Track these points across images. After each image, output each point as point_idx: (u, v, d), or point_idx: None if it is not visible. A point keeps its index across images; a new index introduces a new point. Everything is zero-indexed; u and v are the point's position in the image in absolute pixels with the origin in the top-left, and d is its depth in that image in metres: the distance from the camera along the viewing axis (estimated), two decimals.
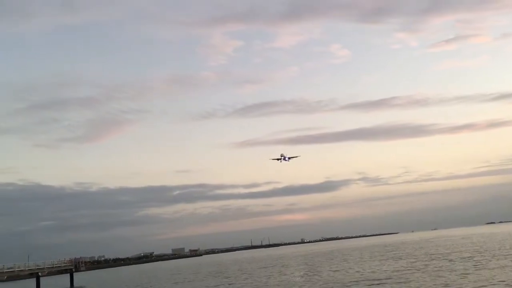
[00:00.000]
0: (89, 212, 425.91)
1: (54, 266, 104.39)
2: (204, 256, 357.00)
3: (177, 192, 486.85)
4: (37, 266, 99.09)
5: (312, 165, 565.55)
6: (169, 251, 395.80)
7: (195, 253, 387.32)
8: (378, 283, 47.61)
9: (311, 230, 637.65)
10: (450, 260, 66.93)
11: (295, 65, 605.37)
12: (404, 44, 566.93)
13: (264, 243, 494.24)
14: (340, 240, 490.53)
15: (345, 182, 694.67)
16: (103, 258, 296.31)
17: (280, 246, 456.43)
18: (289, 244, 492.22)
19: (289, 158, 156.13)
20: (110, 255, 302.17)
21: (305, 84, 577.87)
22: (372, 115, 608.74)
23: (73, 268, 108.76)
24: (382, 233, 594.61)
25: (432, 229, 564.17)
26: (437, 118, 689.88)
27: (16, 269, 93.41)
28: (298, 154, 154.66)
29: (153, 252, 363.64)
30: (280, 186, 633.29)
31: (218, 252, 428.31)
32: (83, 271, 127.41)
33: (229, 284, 65.07)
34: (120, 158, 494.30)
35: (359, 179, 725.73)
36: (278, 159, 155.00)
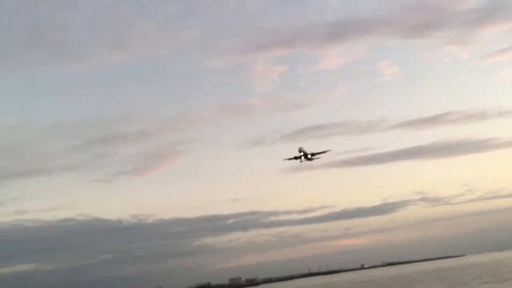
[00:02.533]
0: (146, 244, 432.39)
1: None
2: (262, 285, 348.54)
3: (231, 220, 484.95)
4: None
5: (368, 187, 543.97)
6: (226, 281, 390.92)
7: (252, 282, 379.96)
8: None
9: (370, 255, 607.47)
10: None
11: (343, 86, 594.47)
12: (455, 57, 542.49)
13: (322, 270, 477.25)
14: (404, 265, 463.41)
15: (403, 204, 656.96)
16: None
17: (340, 273, 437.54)
18: (349, 270, 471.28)
19: (312, 155, 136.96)
20: (168, 286, 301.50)
21: (354, 104, 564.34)
22: (427, 132, 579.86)
23: None
24: (447, 255, 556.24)
25: (498, 250, 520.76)
26: (496, 132, 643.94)
27: None
28: (326, 148, 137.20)
29: (210, 283, 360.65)
30: (335, 210, 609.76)
31: (276, 281, 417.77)
32: None
33: None
34: (174, 188, 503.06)
35: (418, 200, 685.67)
36: (296, 158, 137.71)
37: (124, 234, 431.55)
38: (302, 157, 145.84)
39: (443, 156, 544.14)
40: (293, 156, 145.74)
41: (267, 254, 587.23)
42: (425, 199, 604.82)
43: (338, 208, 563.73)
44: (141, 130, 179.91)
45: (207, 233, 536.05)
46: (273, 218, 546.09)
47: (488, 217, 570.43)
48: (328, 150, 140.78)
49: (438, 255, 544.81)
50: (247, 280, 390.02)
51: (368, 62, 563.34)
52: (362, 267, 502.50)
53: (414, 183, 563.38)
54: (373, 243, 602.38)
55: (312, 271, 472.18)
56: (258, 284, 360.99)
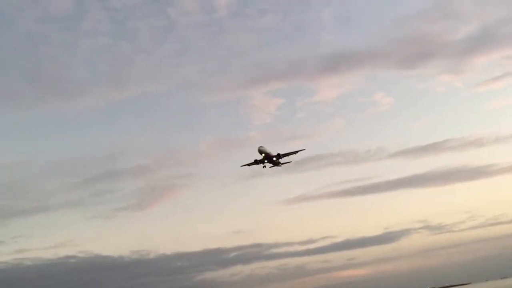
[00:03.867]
0: (148, 279, 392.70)
1: None
2: None
3: (233, 253, 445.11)
4: None
5: (369, 216, 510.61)
6: None
7: None
8: None
9: (374, 285, 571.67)
10: None
11: (340, 117, 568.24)
12: (450, 86, 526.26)
13: None
14: None
15: (405, 232, 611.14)
16: None
17: None
18: None
19: (278, 156, 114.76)
20: None
21: (352, 134, 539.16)
22: (425, 160, 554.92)
23: None
24: (452, 284, 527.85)
25: (502, 278, 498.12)
26: (495, 158, 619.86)
27: None
28: (298, 148, 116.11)
29: None
30: (337, 240, 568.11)
31: None
32: None
33: None
34: (174, 222, 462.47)
35: (420, 228, 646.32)
36: (258, 163, 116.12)
37: (126, 270, 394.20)
38: (265, 161, 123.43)
39: (443, 184, 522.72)
40: (252, 161, 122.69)
41: (270, 287, 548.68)
42: (427, 227, 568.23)
43: (340, 239, 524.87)
44: (140, 165, 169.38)
45: (210, 267, 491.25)
46: (274, 250, 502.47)
47: (491, 243, 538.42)
48: (301, 150, 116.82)
49: (443, 283, 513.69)
50: None
51: (364, 93, 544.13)
52: None
53: (415, 211, 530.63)
54: (377, 273, 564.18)
55: None
56: None
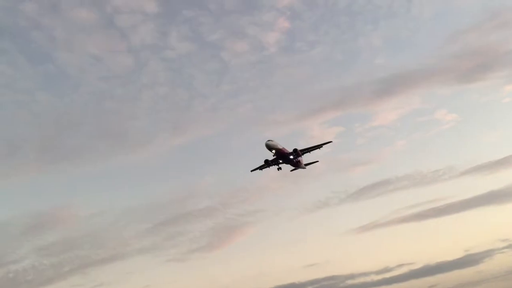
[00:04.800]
0: None
1: None
2: None
3: None
4: None
5: (446, 239, 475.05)
6: None
7: None
8: None
9: None
10: None
11: (401, 139, 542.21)
12: None
13: None
14: None
15: (488, 253, 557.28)
16: None
17: None
18: None
19: (295, 154, 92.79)
20: None
21: (416, 156, 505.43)
22: (500, 175, 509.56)
23: None
24: None
25: None
26: None
27: None
28: (327, 140, 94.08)
29: None
30: (415, 267, 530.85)
31: None
32: None
33: None
34: (246, 260, 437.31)
35: (504, 248, 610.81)
36: (269, 164, 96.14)
37: None
38: (279, 161, 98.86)
39: None
40: (262, 164, 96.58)
41: None
42: (511, 246, 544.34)
43: (418, 265, 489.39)
44: (208, 206, 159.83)
45: None
46: (350, 281, 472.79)
47: None
48: (327, 142, 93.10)
49: None
50: None
51: (424, 113, 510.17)
52: None
53: (495, 230, 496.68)
54: None
55: None
56: None
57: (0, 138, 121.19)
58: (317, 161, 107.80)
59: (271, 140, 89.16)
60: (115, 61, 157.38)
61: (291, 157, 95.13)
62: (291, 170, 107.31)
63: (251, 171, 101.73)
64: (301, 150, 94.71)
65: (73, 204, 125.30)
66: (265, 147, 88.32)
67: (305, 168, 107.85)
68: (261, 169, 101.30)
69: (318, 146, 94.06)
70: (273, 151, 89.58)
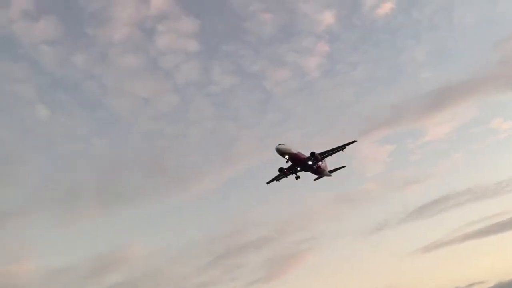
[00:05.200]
0: None
1: None
2: None
3: None
4: None
5: None
6: None
7: None
8: None
9: None
10: None
11: (457, 152, 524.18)
12: None
13: None
14: None
15: None
16: None
17: None
18: None
19: (314, 158, 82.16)
20: None
21: (475, 168, 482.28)
22: None
23: None
24: None
25: None
26: None
27: None
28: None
29: None
30: (487, 285, 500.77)
31: None
32: None
33: None
34: None
35: None
36: (286, 173, 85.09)
37: None
38: (297, 168, 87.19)
39: None
40: (278, 173, 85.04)
41: None
42: None
43: (491, 283, 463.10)
44: (264, 236, 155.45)
45: None
46: None
47: None
48: (352, 142, 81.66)
49: None
50: None
51: (478, 123, 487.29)
52: None
53: None
54: None
55: None
56: None
57: (61, 185, 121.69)
58: (344, 166, 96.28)
59: (282, 144, 77.84)
60: (162, 101, 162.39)
61: (310, 162, 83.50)
62: (315, 179, 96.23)
63: (267, 183, 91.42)
64: (321, 154, 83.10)
65: (133, 244, 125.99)
66: (276, 153, 77.01)
67: (330, 175, 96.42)
68: (278, 179, 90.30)
69: (341, 148, 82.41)
70: (286, 156, 77.95)
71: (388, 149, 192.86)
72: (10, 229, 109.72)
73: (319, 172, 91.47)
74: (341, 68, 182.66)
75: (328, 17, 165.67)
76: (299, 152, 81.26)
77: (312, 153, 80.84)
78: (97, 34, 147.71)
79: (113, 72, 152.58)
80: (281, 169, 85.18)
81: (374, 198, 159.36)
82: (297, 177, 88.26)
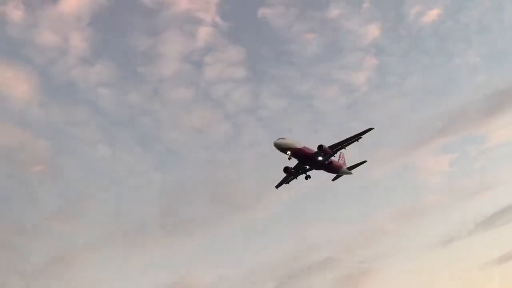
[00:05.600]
0: None
1: None
2: None
3: None
4: None
5: None
6: None
7: None
8: None
9: None
10: None
11: None
12: None
13: None
14: None
15: None
16: None
17: None
18: None
19: (324, 156, 70.92)
20: None
21: None
22: None
23: None
24: None
25: None
26: None
27: None
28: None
29: None
30: None
31: None
32: None
33: None
34: None
35: None
36: (293, 174, 75.19)
37: None
38: (305, 166, 75.13)
39: None
40: (286, 175, 73.91)
41: None
42: None
43: None
44: (327, 257, 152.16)
45: None
46: None
47: None
48: (369, 129, 69.73)
49: None
50: None
51: None
52: None
53: None
54: None
55: None
56: None
57: (125, 220, 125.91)
58: (365, 161, 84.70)
59: (282, 138, 66.58)
60: (215, 129, 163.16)
61: (320, 158, 71.36)
62: (333, 179, 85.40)
63: (276, 187, 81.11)
64: (332, 147, 70.80)
65: (197, 273, 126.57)
66: (276, 149, 65.47)
67: (350, 173, 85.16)
68: (287, 182, 79.17)
69: (356, 138, 70.22)
70: (288, 152, 66.17)
71: (448, 158, 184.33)
72: (80, 264, 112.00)
73: (334, 170, 79.69)
74: (391, 79, 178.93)
75: (372, 31, 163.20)
76: (304, 147, 69.55)
77: (320, 147, 68.76)
78: (148, 71, 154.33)
79: (166, 106, 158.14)
80: (286, 169, 73.75)
81: (439, 210, 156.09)
82: (307, 177, 76.65)
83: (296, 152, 67.53)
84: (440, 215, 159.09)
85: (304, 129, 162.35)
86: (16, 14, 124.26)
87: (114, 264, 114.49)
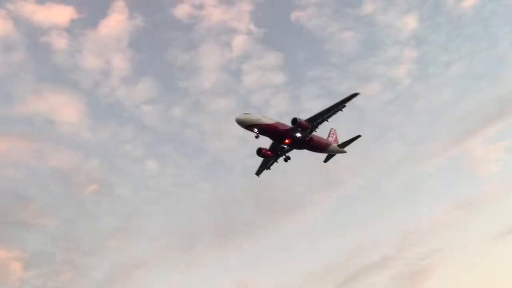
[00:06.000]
0: None
1: None
2: None
3: None
4: None
5: None
6: None
7: None
8: None
9: None
10: None
11: None
12: None
13: None
14: None
15: None
16: None
17: None
18: None
19: (303, 131, 61.62)
20: None
21: None
22: None
23: None
24: None
25: None
26: None
27: None
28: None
29: None
30: None
31: None
32: None
33: None
34: None
35: None
36: (270, 155, 65.75)
37: None
38: (284, 147, 64.98)
39: None
40: (264, 160, 63.89)
41: None
42: None
43: None
44: (384, 256, 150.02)
45: None
46: None
47: None
48: (355, 94, 60.53)
49: None
50: None
51: None
52: None
53: None
54: None
55: None
56: None
57: (177, 232, 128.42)
58: (359, 136, 73.78)
59: (247, 114, 56.55)
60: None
61: (298, 135, 61.10)
62: (325, 161, 75.69)
63: (256, 174, 71.11)
64: (310, 120, 60.44)
65: (252, 281, 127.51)
66: (240, 126, 55.84)
67: (344, 151, 74.45)
68: (268, 167, 69.08)
69: (338, 107, 60.09)
70: (255, 130, 56.46)
71: (502, 145, 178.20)
72: (139, 279, 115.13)
73: (319, 148, 69.00)
74: (434, 70, 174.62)
75: (410, 22, 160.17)
76: (277, 123, 59.41)
77: (294, 120, 58.41)
78: (188, 85, 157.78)
79: (208, 117, 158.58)
80: (259, 151, 63.49)
81: (497, 199, 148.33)
82: (287, 159, 66.50)
83: (266, 130, 57.65)
84: (499, 205, 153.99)
85: (348, 128, 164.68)
86: (60, 42, 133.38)
87: (171, 276, 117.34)
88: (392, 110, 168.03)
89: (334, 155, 75.02)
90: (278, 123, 59.53)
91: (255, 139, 58.16)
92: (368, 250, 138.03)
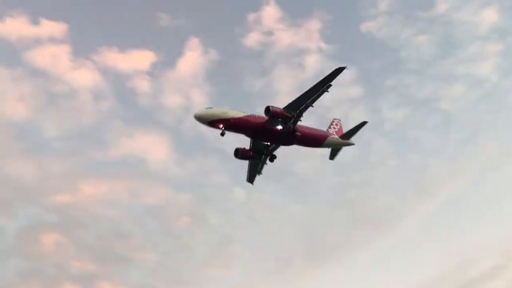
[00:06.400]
0: None
1: None
2: None
3: None
4: None
5: None
6: None
7: None
8: None
9: None
10: None
11: None
12: None
13: None
14: None
15: None
16: None
17: None
18: None
19: (285, 127, 54.53)
20: None
21: None
22: None
23: None
24: None
25: None
26: None
27: None
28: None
29: None
30: None
31: None
32: None
33: None
34: None
35: None
36: (248, 157, 58.86)
37: None
38: (264, 143, 53.76)
39: None
40: (249, 162, 59.52)
41: None
42: None
43: None
44: (494, 265, 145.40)
45: None
46: None
47: None
48: (341, 68, 48.74)
49: None
50: None
51: None
52: None
53: None
54: None
55: None
56: None
57: (271, 256, 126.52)
58: (366, 122, 63.79)
59: (210, 108, 46.97)
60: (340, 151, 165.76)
61: (279, 127, 50.60)
62: (330, 158, 66.02)
63: (248, 181, 62.33)
64: (289, 106, 50.21)
65: None
66: (200, 123, 46.45)
67: (351, 143, 64.88)
68: (259, 172, 59.10)
69: (323, 85, 49.35)
70: (221, 126, 46.65)
71: None
72: None
73: (311, 141, 58.64)
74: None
75: (489, 15, 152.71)
76: (250, 116, 49.38)
77: (267, 109, 48.00)
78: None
79: None
80: (236, 152, 53.83)
81: None
82: (272, 158, 56.15)
83: (236, 125, 48.23)
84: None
85: (434, 134, 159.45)
86: (143, 85, 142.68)
87: None
88: (482, 109, 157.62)
89: (339, 149, 64.30)
90: (250, 115, 50.13)
91: (221, 136, 48.49)
92: (474, 260, 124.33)
